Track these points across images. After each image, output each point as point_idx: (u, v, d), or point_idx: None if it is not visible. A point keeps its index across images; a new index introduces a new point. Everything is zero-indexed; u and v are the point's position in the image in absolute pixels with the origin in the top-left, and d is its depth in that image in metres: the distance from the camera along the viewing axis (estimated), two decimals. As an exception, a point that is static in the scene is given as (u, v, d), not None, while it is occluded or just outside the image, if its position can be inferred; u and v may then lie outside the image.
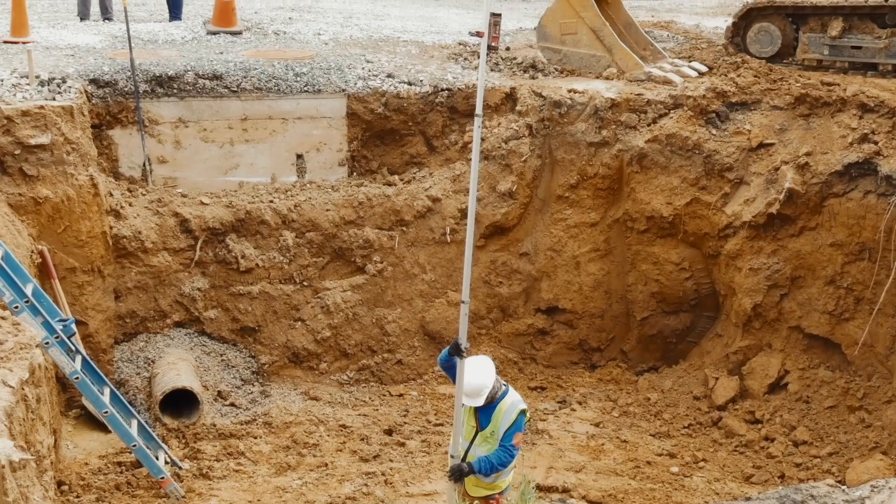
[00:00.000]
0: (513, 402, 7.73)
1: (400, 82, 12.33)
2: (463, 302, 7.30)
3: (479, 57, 13.12)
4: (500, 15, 8.23)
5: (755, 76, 12.21)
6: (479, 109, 7.01)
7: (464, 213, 11.87)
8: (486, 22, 7.51)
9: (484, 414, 7.73)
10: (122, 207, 11.09)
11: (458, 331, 7.38)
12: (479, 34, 8.27)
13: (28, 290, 8.60)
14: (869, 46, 12.55)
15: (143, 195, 11.43)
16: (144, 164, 11.60)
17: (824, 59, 12.79)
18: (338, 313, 11.83)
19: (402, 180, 12.24)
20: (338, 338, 11.88)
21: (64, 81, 11.06)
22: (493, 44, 8.22)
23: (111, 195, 11.02)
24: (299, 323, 11.79)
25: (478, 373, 7.62)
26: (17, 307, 8.38)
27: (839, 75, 12.41)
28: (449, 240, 12.03)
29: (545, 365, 12.42)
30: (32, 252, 10.00)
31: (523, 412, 7.74)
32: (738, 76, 12.25)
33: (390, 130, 12.32)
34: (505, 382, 7.88)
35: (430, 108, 12.26)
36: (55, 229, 10.35)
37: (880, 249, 10.88)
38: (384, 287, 11.99)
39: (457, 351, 7.42)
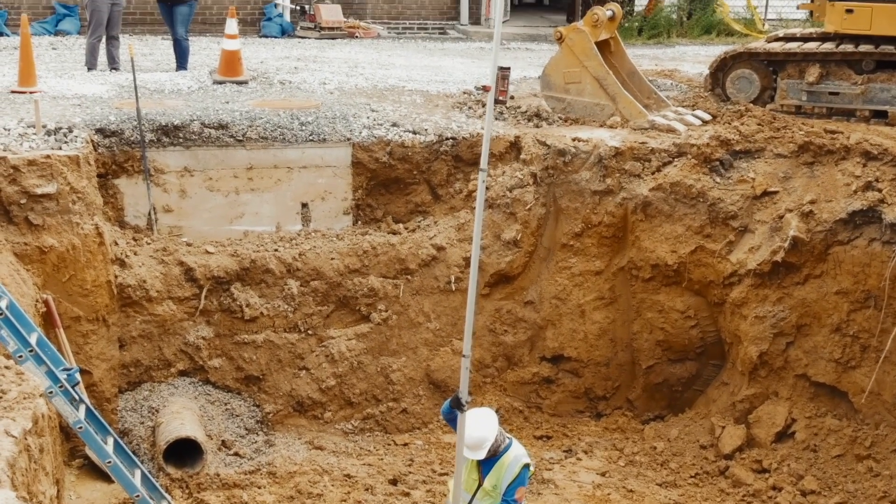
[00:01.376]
0: (516, 455, 7.69)
1: (405, 131, 12.38)
2: (464, 356, 7.30)
3: (483, 106, 13.24)
4: (508, 69, 8.27)
5: (758, 124, 12.25)
6: (483, 164, 7.07)
7: (468, 262, 11.87)
8: (494, 75, 7.57)
9: (486, 467, 7.69)
10: (126, 256, 11.11)
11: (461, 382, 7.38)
12: (485, 88, 8.31)
13: (32, 340, 8.59)
14: (846, 92, 12.71)
15: (148, 244, 11.45)
16: (150, 213, 11.63)
17: (803, 104, 12.94)
18: (342, 362, 11.81)
19: (406, 229, 12.26)
20: (342, 386, 11.85)
21: (70, 131, 11.11)
22: (500, 98, 8.30)
23: (116, 244, 11.05)
24: (304, 372, 11.77)
25: (480, 425, 7.59)
26: (21, 356, 8.37)
27: (843, 123, 12.50)
28: (454, 288, 12.02)
29: (550, 414, 12.37)
30: (37, 301, 10.01)
31: (527, 466, 7.70)
32: (742, 124, 12.29)
33: (395, 179, 12.35)
34: (509, 435, 7.85)
35: (435, 157, 12.30)
36: (60, 278, 10.36)
37: (885, 297, 10.87)
38: (389, 336, 11.97)
39: (457, 404, 7.41)
